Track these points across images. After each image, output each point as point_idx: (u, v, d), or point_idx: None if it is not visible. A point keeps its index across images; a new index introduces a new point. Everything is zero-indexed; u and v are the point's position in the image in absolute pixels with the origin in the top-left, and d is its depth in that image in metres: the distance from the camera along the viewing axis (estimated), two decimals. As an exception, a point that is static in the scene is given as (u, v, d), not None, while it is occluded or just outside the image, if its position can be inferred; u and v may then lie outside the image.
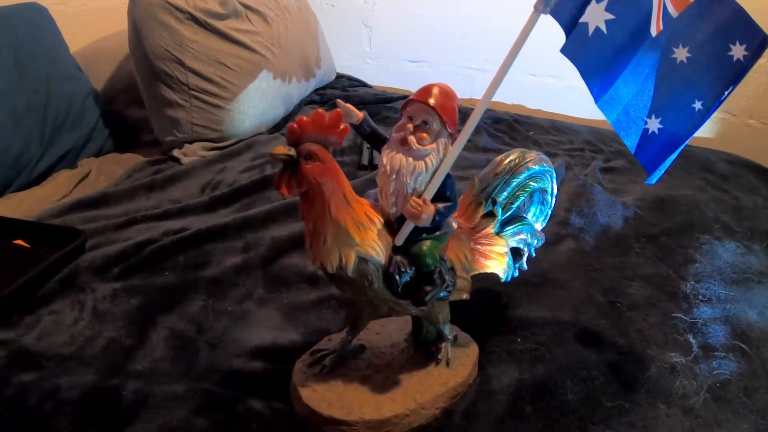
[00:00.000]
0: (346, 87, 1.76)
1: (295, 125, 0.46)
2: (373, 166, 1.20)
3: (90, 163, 1.23)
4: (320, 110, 0.46)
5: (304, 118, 0.46)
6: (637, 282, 0.84)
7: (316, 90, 1.68)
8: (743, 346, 0.72)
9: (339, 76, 1.83)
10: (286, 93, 1.44)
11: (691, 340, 0.72)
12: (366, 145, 1.26)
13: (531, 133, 1.48)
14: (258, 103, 1.34)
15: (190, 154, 1.27)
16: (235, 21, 1.32)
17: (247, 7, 1.36)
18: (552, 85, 1.78)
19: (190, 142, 1.29)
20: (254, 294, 0.80)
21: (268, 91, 1.37)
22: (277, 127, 1.44)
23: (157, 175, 1.17)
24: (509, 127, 1.50)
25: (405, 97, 1.65)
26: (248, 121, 1.34)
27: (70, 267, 0.82)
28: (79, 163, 1.23)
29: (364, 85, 1.83)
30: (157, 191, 1.11)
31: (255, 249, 0.88)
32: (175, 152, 1.27)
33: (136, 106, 1.39)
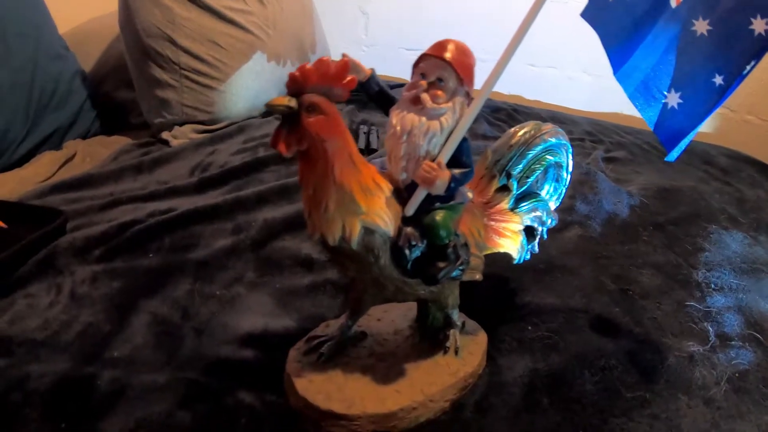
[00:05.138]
0: (341, 74, 1.72)
1: (297, 73, 0.41)
2: (370, 150, 1.16)
3: (76, 145, 1.19)
4: (325, 57, 0.41)
5: (308, 66, 0.41)
6: (647, 270, 0.80)
7: (311, 76, 1.64)
8: (758, 335, 0.69)
9: (334, 63, 1.79)
10: (279, 76, 1.39)
11: (708, 328, 0.69)
12: (362, 129, 1.21)
13: (530, 122, 1.45)
14: (251, 85, 1.30)
15: (180, 137, 1.22)
16: (228, -1, 1.27)
17: (241, -15, 1.31)
18: (551, 75, 1.75)
19: (180, 124, 1.24)
20: (245, 278, 0.75)
21: (262, 73, 1.32)
22: (270, 111, 1.39)
23: (144, 156, 1.12)
24: (508, 116, 1.47)
25: (402, 85, 1.63)
26: (241, 104, 1.29)
27: (49, 248, 0.77)
28: (64, 145, 1.18)
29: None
30: (144, 173, 1.07)
31: (246, 231, 0.84)
32: (165, 134, 1.23)
33: (125, 88, 1.35)
